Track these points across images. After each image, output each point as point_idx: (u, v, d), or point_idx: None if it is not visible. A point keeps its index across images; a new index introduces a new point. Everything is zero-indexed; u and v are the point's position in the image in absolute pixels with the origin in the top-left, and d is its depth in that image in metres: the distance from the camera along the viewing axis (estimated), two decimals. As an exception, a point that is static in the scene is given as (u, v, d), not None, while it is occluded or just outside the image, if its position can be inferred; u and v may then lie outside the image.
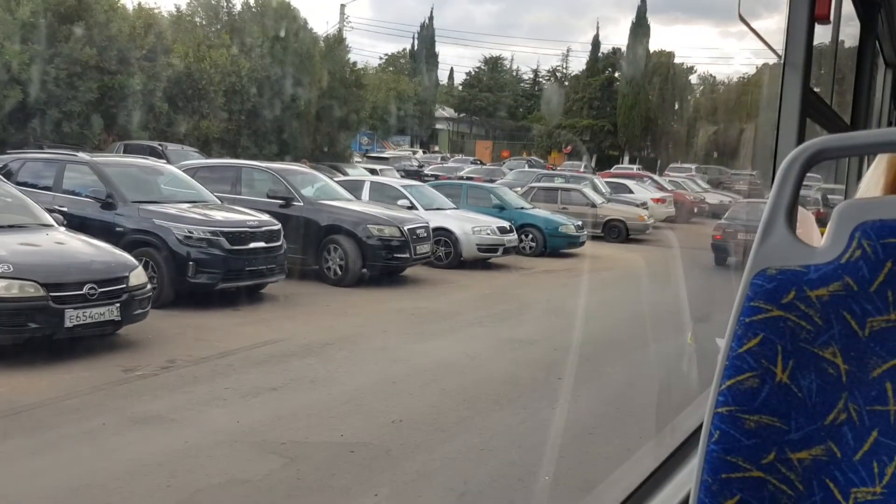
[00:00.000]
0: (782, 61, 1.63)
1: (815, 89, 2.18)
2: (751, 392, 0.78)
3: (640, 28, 45.09)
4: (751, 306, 0.79)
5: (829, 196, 11.28)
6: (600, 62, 47.95)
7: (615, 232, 18.50)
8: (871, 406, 0.76)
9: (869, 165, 1.43)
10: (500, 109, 52.34)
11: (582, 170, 32.08)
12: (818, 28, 1.74)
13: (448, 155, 43.27)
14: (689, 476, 0.86)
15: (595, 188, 20.99)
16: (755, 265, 0.80)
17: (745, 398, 0.78)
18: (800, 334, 0.78)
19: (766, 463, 0.77)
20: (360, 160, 29.12)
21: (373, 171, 22.05)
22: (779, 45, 1.71)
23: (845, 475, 0.76)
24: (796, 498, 0.77)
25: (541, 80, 55.06)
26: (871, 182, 1.32)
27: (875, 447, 0.76)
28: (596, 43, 48.50)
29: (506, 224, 13.98)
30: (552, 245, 15.34)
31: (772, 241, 0.80)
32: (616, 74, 47.38)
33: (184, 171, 11.49)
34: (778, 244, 0.80)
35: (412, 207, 13.38)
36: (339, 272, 10.93)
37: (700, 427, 0.83)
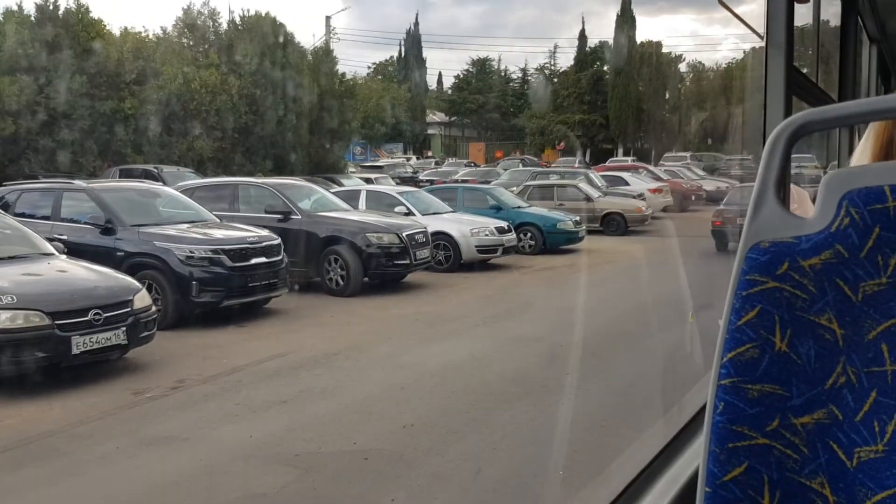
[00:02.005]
0: (765, 42, 1.66)
1: (804, 70, 2.21)
2: (752, 362, 0.80)
3: (625, 20, 45.16)
4: (747, 280, 0.81)
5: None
6: (588, 56, 48.00)
7: (614, 225, 18.51)
8: (869, 368, 0.79)
9: (859, 139, 1.46)
10: (491, 110, 52.36)
11: (576, 165, 32.10)
12: (801, 8, 1.77)
13: (442, 159, 43.32)
14: (698, 449, 0.88)
15: (591, 182, 21.01)
16: (748, 239, 0.82)
17: (746, 369, 0.80)
18: (796, 303, 0.80)
19: (771, 430, 0.80)
20: (354, 170, 29.14)
21: (368, 180, 22.06)
22: (761, 28, 1.73)
23: (848, 436, 0.79)
24: (802, 461, 0.79)
25: (529, 78, 55.11)
26: (862, 152, 1.35)
27: (875, 407, 0.78)
28: (583, 38, 48.54)
29: (504, 224, 14.00)
30: (551, 242, 15.35)
31: (763, 214, 0.82)
32: (605, 68, 47.43)
33: (181, 191, 11.53)
34: (769, 217, 0.82)
35: (409, 213, 13.40)
36: (341, 282, 10.96)
37: (706, 403, 0.85)
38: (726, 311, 0.82)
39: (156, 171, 18.49)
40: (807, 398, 0.80)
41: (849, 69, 2.91)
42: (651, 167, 28.79)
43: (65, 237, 8.95)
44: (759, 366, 0.80)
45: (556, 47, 60.58)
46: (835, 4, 2.86)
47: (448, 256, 13.15)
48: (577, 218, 16.13)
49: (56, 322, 6.51)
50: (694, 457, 1.31)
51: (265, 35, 26.34)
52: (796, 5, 1.70)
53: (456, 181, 24.92)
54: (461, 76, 55.05)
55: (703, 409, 0.87)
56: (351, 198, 13.73)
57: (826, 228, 0.80)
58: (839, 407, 0.79)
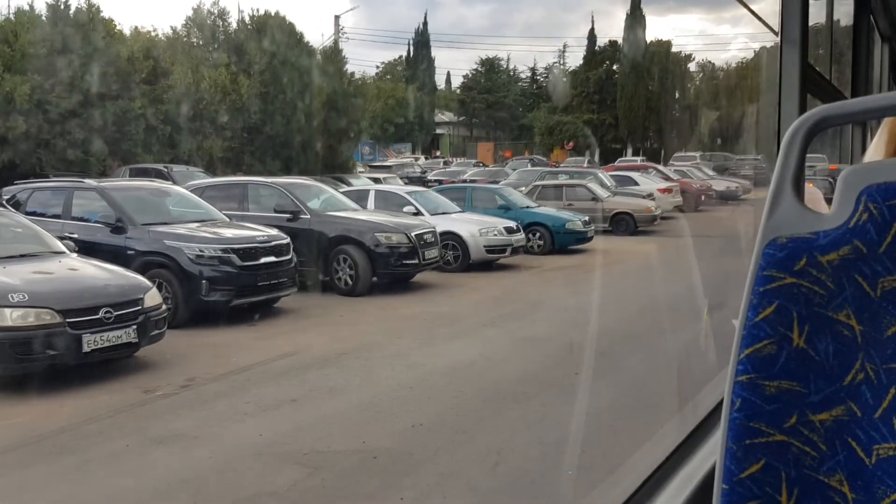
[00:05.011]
0: (779, 38, 1.65)
1: (817, 69, 2.19)
2: (769, 359, 0.80)
3: (634, 19, 45.06)
4: (764, 275, 0.81)
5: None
6: (597, 56, 47.91)
7: (623, 225, 18.46)
8: (888, 364, 0.78)
9: (872, 138, 1.45)
10: (500, 110, 52.32)
11: (585, 165, 32.05)
12: (813, 7, 1.76)
13: (450, 159, 43.32)
14: (714, 446, 0.88)
15: (600, 182, 20.96)
16: (766, 235, 0.82)
17: (764, 365, 0.80)
18: (813, 299, 0.79)
19: (789, 426, 0.79)
20: (363, 170, 29.18)
21: (376, 180, 22.09)
22: (775, 25, 1.72)
23: (867, 433, 0.78)
24: (820, 458, 0.79)
25: (538, 77, 55.04)
26: (875, 150, 1.34)
27: (894, 404, 0.77)
28: (592, 37, 48.47)
29: (512, 224, 13.99)
30: (560, 242, 15.33)
31: (780, 210, 0.82)
32: (614, 67, 47.31)
33: (191, 190, 11.57)
34: (787, 213, 0.82)
35: (418, 213, 13.41)
36: (350, 282, 10.97)
37: (722, 401, 0.84)
38: (743, 308, 0.82)
39: (166, 170, 18.56)
40: (825, 395, 0.79)
41: (861, 67, 2.90)
42: (660, 167, 28.67)
43: (76, 236, 9.01)
44: (777, 362, 0.80)
45: (565, 46, 60.28)
46: (847, 3, 2.85)
47: (457, 256, 13.15)
48: (586, 218, 16.10)
49: (67, 320, 6.54)
50: (710, 454, 1.31)
51: (274, 34, 26.41)
52: (811, 1, 1.69)
53: (465, 181, 24.91)
54: (470, 76, 55.07)
55: (718, 406, 0.86)
56: (360, 197, 13.75)
57: (844, 224, 0.79)
58: (858, 404, 0.79)
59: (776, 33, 1.67)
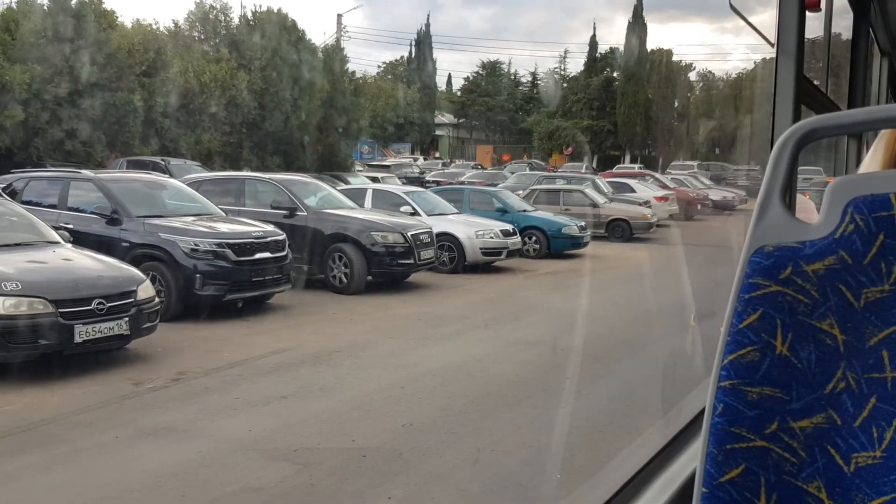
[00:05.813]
0: (775, 49, 1.66)
1: (815, 82, 2.20)
2: (752, 365, 0.81)
3: (636, 26, 45.11)
4: (750, 283, 0.82)
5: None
6: (598, 63, 47.96)
7: (619, 231, 18.51)
8: (869, 374, 0.79)
9: (867, 150, 1.46)
10: (500, 114, 52.36)
11: (583, 171, 32.11)
12: (812, 21, 1.77)
13: (449, 161, 43.35)
14: (696, 451, 0.89)
15: (597, 188, 21.00)
16: (753, 243, 0.83)
17: (746, 371, 0.81)
18: (798, 308, 0.80)
19: (770, 432, 0.80)
20: (361, 169, 29.17)
21: (374, 179, 22.09)
22: (772, 36, 1.74)
23: (846, 441, 0.79)
24: (799, 465, 0.80)
25: (539, 82, 55.09)
26: (870, 161, 1.35)
27: (874, 413, 0.78)
28: (593, 43, 48.52)
29: (509, 227, 14.00)
30: (556, 246, 15.35)
31: (768, 219, 0.83)
32: (614, 74, 47.37)
33: (188, 184, 11.55)
34: (774, 222, 0.83)
35: (415, 213, 13.41)
36: (345, 280, 10.97)
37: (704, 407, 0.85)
38: (728, 314, 0.83)
39: (163, 163, 18.54)
40: (806, 402, 0.80)
41: (859, 81, 2.91)
42: (657, 175, 28.75)
43: (71, 226, 8.98)
44: (760, 369, 0.81)
45: (566, 52, 60.22)
46: (846, 17, 2.86)
47: (452, 258, 13.16)
48: (583, 223, 16.13)
49: (59, 310, 6.53)
50: (692, 458, 1.32)
51: (276, 31, 26.40)
52: (808, 15, 1.70)
53: (462, 183, 24.94)
54: (471, 78, 55.07)
55: (702, 411, 0.87)
56: (357, 196, 13.74)
57: (830, 234, 0.80)
58: (838, 412, 0.80)
59: (772, 44, 1.68)
